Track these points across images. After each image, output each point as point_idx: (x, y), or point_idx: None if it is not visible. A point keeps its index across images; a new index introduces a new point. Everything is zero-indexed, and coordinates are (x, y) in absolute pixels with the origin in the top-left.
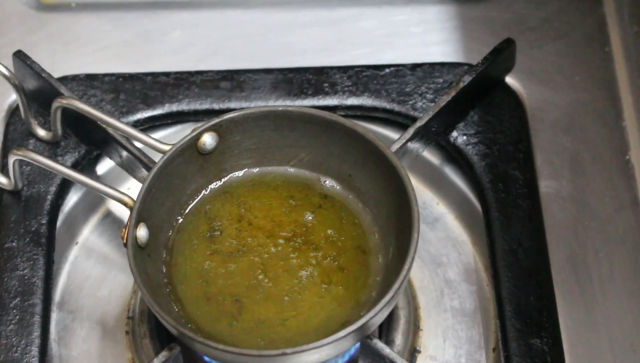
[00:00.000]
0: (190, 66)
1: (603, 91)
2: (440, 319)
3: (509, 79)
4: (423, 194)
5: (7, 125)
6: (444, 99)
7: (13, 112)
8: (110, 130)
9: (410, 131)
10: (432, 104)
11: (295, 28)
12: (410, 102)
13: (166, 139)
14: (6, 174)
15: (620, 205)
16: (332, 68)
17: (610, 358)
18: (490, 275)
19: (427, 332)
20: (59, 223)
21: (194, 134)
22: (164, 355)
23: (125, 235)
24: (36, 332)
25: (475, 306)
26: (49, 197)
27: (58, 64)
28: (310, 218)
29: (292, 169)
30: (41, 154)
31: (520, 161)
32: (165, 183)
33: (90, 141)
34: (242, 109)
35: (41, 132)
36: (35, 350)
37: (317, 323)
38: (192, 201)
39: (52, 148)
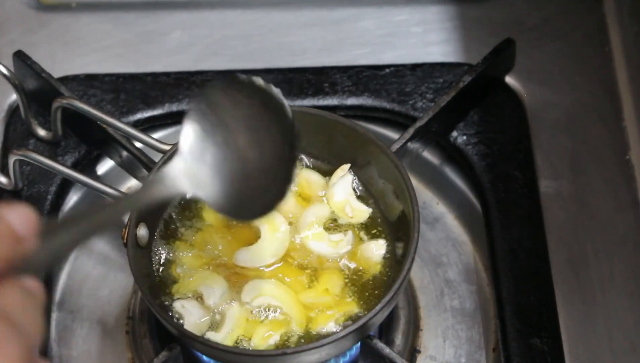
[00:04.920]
0: (190, 66)
1: (603, 91)
2: (440, 319)
3: (509, 79)
4: (423, 194)
5: (7, 125)
6: (444, 99)
7: (13, 112)
8: (110, 130)
9: (410, 131)
10: (432, 104)
11: (295, 28)
12: (410, 102)
13: (166, 139)
14: (6, 174)
15: (620, 205)
16: (332, 68)
17: (610, 358)
18: (490, 275)
19: (427, 332)
20: None
21: None
22: (164, 355)
23: (125, 235)
24: None
25: (475, 306)
26: (49, 197)
27: (58, 64)
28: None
29: None
30: (41, 154)
31: (520, 161)
32: None
33: (90, 141)
34: None
35: (41, 132)
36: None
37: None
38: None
39: (52, 148)
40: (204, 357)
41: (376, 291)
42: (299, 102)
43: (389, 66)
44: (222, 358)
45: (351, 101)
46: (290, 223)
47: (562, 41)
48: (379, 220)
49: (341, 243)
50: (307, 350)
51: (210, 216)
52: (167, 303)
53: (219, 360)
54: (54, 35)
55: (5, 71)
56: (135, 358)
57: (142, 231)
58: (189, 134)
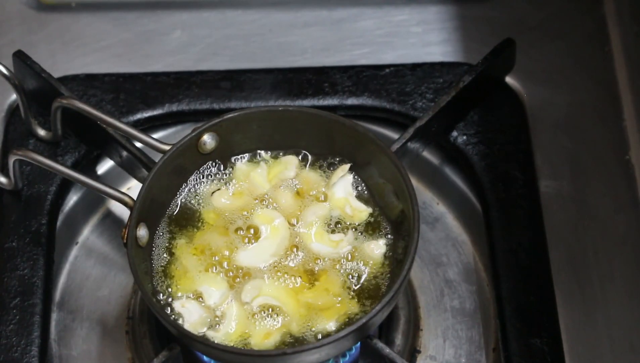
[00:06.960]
0: (190, 66)
1: (603, 91)
2: (440, 319)
3: (509, 79)
4: (423, 194)
5: (7, 125)
6: (444, 99)
7: (13, 112)
8: (110, 130)
9: (410, 131)
10: (432, 104)
11: (295, 28)
12: (410, 102)
13: (166, 139)
14: (6, 174)
15: (620, 205)
16: (332, 68)
17: (610, 358)
18: (490, 275)
19: (427, 332)
20: (59, 223)
21: (194, 134)
22: (164, 355)
23: (125, 235)
24: (36, 332)
25: (475, 306)
26: (49, 197)
27: (58, 64)
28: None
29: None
30: (41, 154)
31: (520, 161)
32: (165, 183)
33: (90, 141)
34: (242, 109)
35: (41, 132)
36: (35, 350)
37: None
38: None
39: (52, 148)
40: (204, 357)
41: (376, 291)
42: (299, 102)
43: (389, 66)
44: (222, 358)
45: (351, 101)
46: (290, 223)
47: (562, 41)
48: (379, 220)
49: (341, 243)
50: (307, 350)
51: (210, 216)
52: (167, 303)
53: (219, 360)
54: (54, 35)
55: (5, 71)
56: (135, 358)
57: (142, 231)
58: None
